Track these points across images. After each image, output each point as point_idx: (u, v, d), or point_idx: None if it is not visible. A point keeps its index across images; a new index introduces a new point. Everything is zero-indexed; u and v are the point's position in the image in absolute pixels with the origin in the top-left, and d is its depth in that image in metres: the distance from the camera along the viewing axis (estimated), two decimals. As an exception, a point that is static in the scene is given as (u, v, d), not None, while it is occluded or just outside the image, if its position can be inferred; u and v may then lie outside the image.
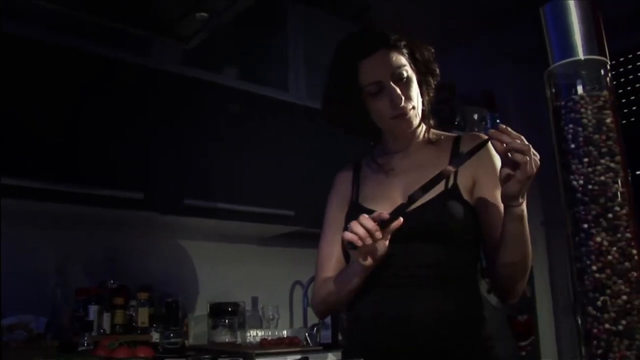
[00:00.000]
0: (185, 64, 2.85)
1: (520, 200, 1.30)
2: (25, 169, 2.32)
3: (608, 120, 0.76)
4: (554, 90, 0.81)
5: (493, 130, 1.25)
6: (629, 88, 3.52)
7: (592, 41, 0.79)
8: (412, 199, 1.30)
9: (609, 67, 0.80)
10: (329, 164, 3.02)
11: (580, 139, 0.76)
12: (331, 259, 1.56)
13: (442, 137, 1.60)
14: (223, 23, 1.97)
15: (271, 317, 3.13)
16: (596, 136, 0.75)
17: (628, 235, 0.73)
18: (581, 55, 0.79)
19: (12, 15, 2.23)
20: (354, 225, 1.27)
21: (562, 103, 0.79)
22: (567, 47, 0.79)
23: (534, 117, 3.74)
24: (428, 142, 1.59)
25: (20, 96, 2.33)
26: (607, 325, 0.71)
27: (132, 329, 2.60)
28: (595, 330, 0.72)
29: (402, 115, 1.48)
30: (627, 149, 0.77)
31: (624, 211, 0.73)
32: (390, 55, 1.48)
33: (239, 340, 2.92)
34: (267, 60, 3.32)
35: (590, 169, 0.74)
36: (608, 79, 0.80)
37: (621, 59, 3.61)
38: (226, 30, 2.91)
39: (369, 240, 1.26)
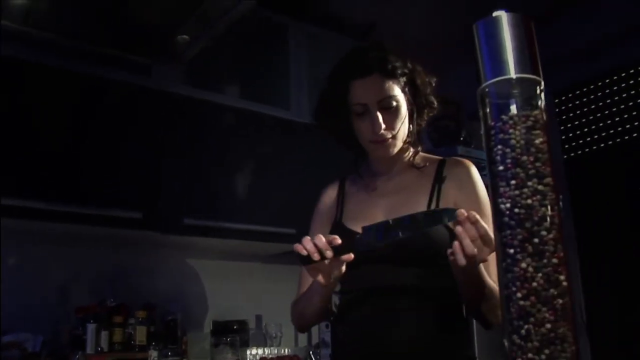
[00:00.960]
0: (186, 83, 2.86)
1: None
2: (24, 189, 2.34)
3: (537, 141, 0.74)
4: (487, 110, 0.79)
5: (462, 216, 1.16)
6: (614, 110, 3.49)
7: (525, 59, 0.77)
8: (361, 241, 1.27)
9: (542, 86, 0.77)
10: (330, 182, 3.01)
11: (509, 160, 0.73)
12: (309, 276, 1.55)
13: (428, 162, 1.59)
14: (208, 44, 1.99)
15: (274, 335, 3.11)
16: (524, 157, 0.73)
17: (554, 260, 0.70)
18: (513, 74, 0.76)
19: (9, 40, 2.26)
20: (305, 240, 1.25)
21: (493, 123, 0.76)
22: (499, 65, 0.77)
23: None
24: (412, 165, 1.59)
25: (20, 117, 2.36)
26: (530, 355, 0.68)
27: (131, 347, 2.60)
28: (519, 360, 0.69)
29: (380, 141, 1.50)
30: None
31: (550, 236, 0.70)
32: (383, 82, 1.49)
33: (240, 358, 2.90)
34: (269, 78, 3.32)
35: (517, 192, 0.72)
36: (541, 98, 0.77)
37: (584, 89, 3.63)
38: (227, 49, 2.94)
39: (317, 256, 1.24)
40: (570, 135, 3.71)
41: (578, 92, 3.71)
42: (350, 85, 1.50)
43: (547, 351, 0.67)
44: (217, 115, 2.91)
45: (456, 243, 1.16)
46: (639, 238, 3.23)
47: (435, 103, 1.58)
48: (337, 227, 1.56)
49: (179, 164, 2.73)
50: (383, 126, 1.46)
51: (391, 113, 1.48)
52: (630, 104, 3.47)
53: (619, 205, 3.38)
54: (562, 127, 3.74)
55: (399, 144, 1.53)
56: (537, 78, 0.77)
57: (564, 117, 3.75)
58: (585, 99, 3.68)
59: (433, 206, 1.46)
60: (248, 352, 2.87)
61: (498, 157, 0.74)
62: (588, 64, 3.56)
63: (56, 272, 2.71)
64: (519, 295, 0.69)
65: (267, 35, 3.25)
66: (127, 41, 2.21)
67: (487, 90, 0.78)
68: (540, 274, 0.69)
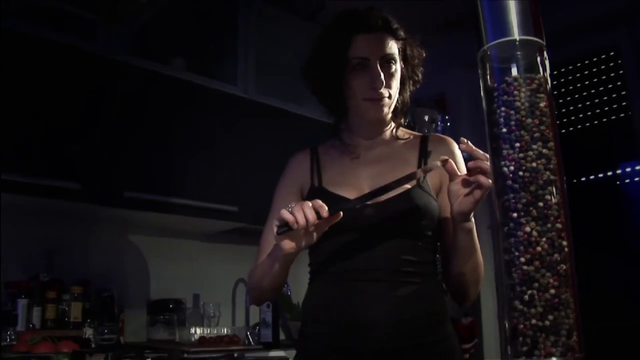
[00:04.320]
0: (132, 52, 2.75)
1: (471, 215, 1.31)
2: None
3: (542, 104, 0.72)
4: (487, 71, 0.77)
5: (465, 145, 1.25)
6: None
7: (528, 21, 0.75)
8: (369, 195, 1.30)
9: (545, 49, 0.75)
10: (274, 160, 2.96)
11: (513, 122, 0.71)
12: (271, 245, 1.49)
13: (411, 136, 1.58)
14: (163, 7, 1.88)
15: (212, 314, 3.05)
16: (529, 120, 0.71)
17: (558, 225, 0.68)
18: (516, 36, 0.74)
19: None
20: (297, 210, 1.21)
21: (496, 85, 0.74)
22: (501, 27, 0.75)
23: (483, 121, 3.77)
24: (396, 138, 1.57)
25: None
26: (533, 321, 0.66)
27: (64, 324, 2.48)
28: (521, 326, 0.67)
29: (376, 100, 1.46)
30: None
31: (554, 200, 0.69)
32: (387, 40, 1.46)
33: (178, 337, 2.83)
34: (216, 52, 3.24)
35: (521, 155, 0.70)
36: (545, 62, 0.75)
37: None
38: (175, 20, 2.84)
39: (302, 232, 1.23)
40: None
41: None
42: (353, 38, 1.45)
43: (550, 317, 0.66)
44: (162, 87, 2.80)
45: (484, 179, 1.22)
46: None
47: (420, 77, 1.56)
48: (318, 191, 1.50)
49: (121, 135, 2.62)
50: (384, 83, 1.43)
51: (390, 72, 1.46)
52: (569, 98, 3.56)
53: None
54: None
55: (392, 106, 1.50)
56: (541, 41, 0.75)
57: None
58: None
59: (421, 178, 1.44)
60: (191, 330, 2.80)
61: (501, 119, 0.72)
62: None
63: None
64: (522, 259, 0.68)
65: (216, 8, 3.16)
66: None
67: (488, 52, 0.76)
68: (544, 239, 0.67)
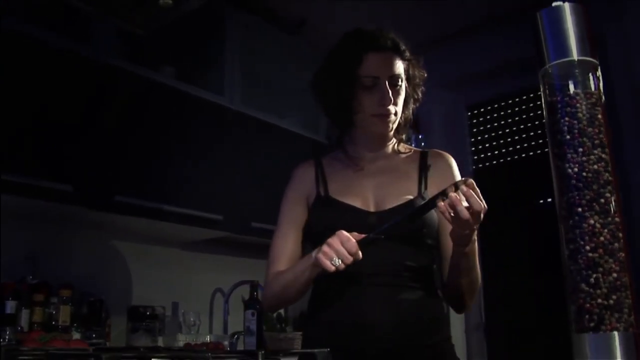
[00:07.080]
0: (123, 56, 2.79)
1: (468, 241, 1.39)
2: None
3: (599, 116, 0.84)
4: (547, 87, 0.88)
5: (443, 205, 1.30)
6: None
7: (585, 44, 0.86)
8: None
9: (598, 68, 0.87)
10: (260, 171, 3.01)
11: (576, 131, 0.83)
12: (284, 253, 1.58)
13: (411, 151, 1.68)
14: (186, 12, 1.92)
15: (192, 323, 3.08)
16: (590, 129, 0.82)
17: (617, 219, 0.80)
18: (575, 56, 0.86)
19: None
20: (341, 266, 1.33)
21: (559, 98, 0.85)
22: (562, 48, 0.86)
23: (456, 139, 3.93)
24: (398, 152, 1.66)
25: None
26: (599, 300, 0.77)
27: (52, 327, 2.48)
28: (587, 305, 0.78)
29: (384, 116, 1.55)
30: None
31: (613, 197, 0.80)
32: (395, 60, 1.56)
33: (160, 344, 2.85)
34: (204, 62, 3.30)
35: (584, 158, 0.81)
36: (599, 79, 0.87)
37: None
38: (165, 29, 2.89)
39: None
40: (480, 147, 3.93)
41: (489, 107, 3.94)
42: (363, 56, 1.54)
43: (614, 297, 0.77)
44: (154, 93, 2.84)
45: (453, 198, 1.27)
46: (534, 246, 3.49)
47: (420, 96, 1.65)
48: (325, 200, 1.59)
49: (113, 139, 2.64)
50: (392, 100, 1.53)
51: (396, 91, 1.55)
52: (537, 122, 3.73)
53: (518, 215, 3.64)
54: (472, 139, 3.96)
55: (397, 122, 1.60)
56: (595, 61, 0.87)
57: (474, 130, 3.97)
58: (495, 115, 3.91)
59: (422, 190, 1.54)
60: (177, 337, 2.82)
61: (565, 128, 0.84)
62: (500, 82, 3.80)
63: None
64: (587, 248, 0.79)
65: (205, 18, 3.21)
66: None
67: (549, 70, 0.87)
68: (606, 230, 0.79)
